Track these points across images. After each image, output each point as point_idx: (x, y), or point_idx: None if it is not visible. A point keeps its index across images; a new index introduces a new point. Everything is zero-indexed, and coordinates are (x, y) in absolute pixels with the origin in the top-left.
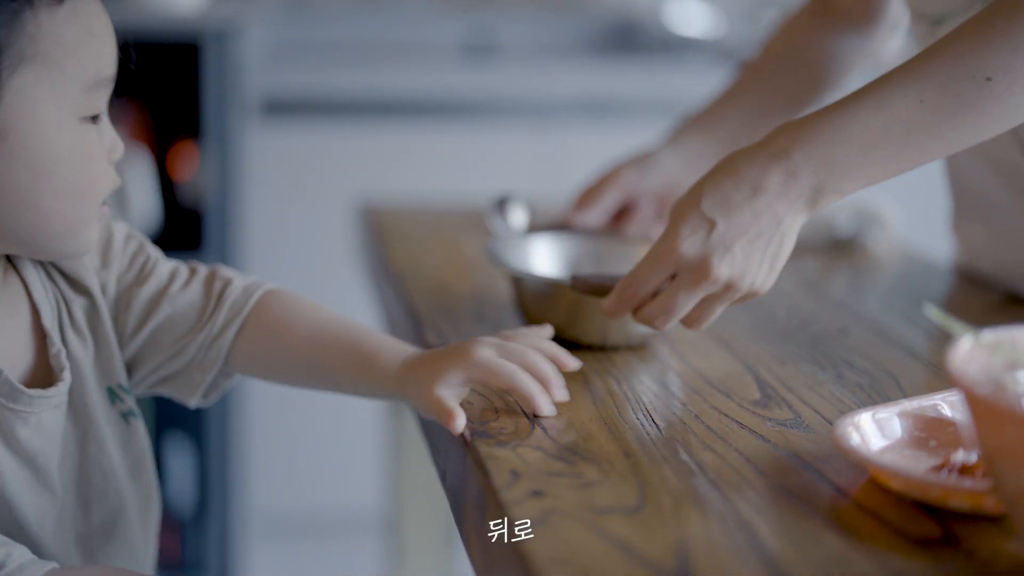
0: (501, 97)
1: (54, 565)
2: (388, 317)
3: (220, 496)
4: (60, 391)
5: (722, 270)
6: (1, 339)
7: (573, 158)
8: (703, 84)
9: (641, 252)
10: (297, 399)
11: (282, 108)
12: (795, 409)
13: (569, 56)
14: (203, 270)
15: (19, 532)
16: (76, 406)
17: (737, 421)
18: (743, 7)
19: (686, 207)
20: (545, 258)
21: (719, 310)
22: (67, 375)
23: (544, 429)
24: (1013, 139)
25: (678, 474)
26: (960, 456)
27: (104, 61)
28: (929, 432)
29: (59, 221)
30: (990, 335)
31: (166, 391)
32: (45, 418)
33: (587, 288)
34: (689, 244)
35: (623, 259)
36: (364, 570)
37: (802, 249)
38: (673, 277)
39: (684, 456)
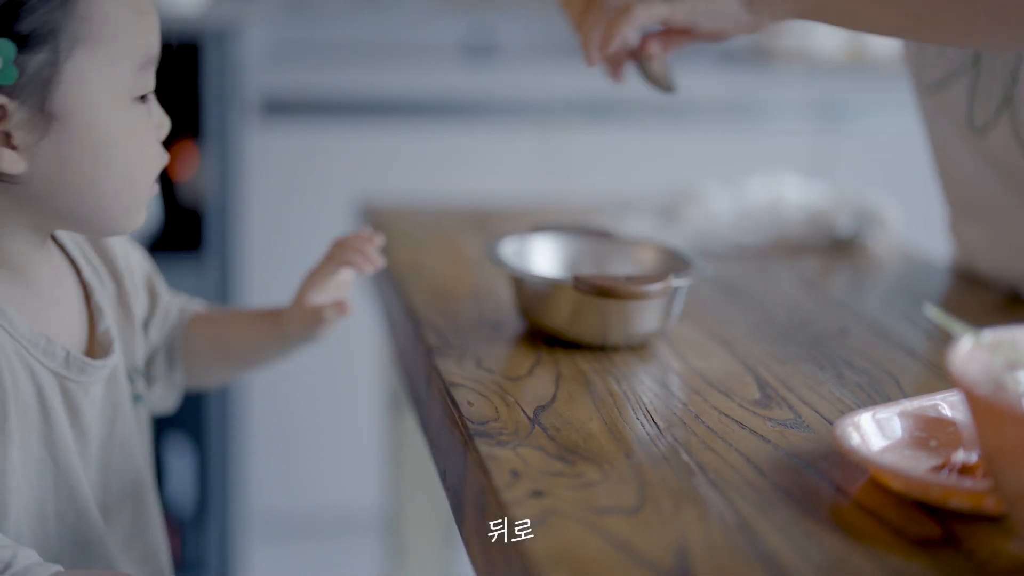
0: (501, 97)
1: (59, 568)
2: (388, 317)
3: (220, 496)
4: (111, 362)
5: None
6: (60, 316)
7: (573, 158)
8: (703, 84)
9: (642, 252)
10: (297, 399)
11: (282, 108)
12: (795, 409)
13: (569, 56)
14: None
15: (79, 506)
16: (111, 382)
17: (737, 421)
18: None
19: None
20: (545, 258)
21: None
22: (116, 347)
23: (544, 429)
24: (1013, 139)
25: (678, 474)
26: (960, 456)
27: (152, 40)
28: (929, 432)
29: (117, 201)
30: (990, 335)
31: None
32: (97, 391)
33: (589, 288)
34: None
35: (623, 259)
36: (364, 570)
37: (802, 249)
38: None
39: (684, 456)
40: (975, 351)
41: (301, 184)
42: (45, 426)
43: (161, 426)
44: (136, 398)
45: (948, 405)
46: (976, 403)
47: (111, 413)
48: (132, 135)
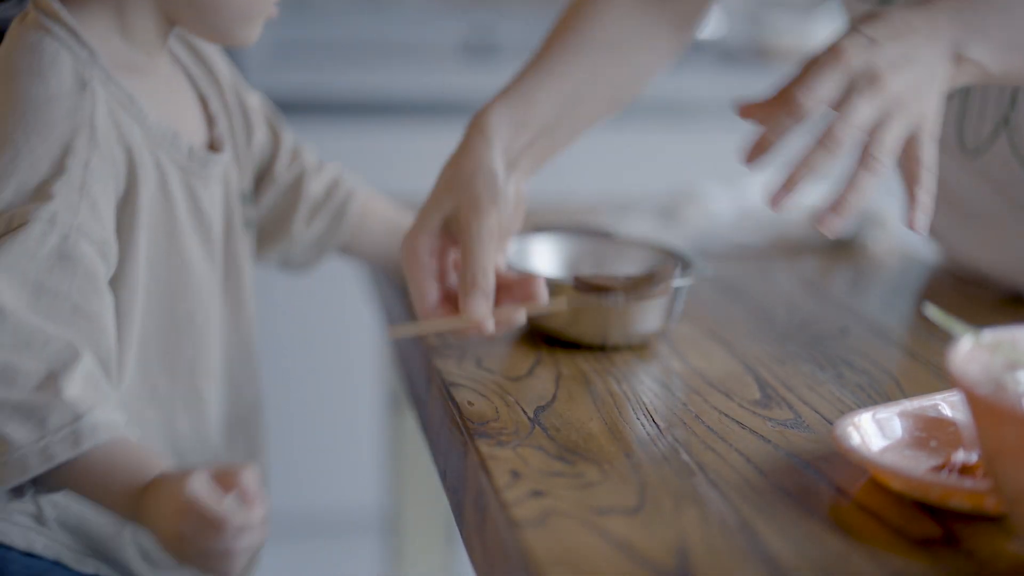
0: None
1: (125, 436)
2: (388, 317)
3: None
4: (226, 157)
5: (896, 81)
6: (182, 114)
7: (574, 158)
8: (703, 84)
9: (640, 252)
10: (297, 399)
11: (282, 108)
12: (795, 409)
13: None
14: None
15: (190, 298)
16: (227, 189)
17: (737, 421)
18: (743, 7)
19: (836, 38)
20: (545, 258)
21: (895, 132)
22: (228, 148)
23: (544, 429)
24: (1013, 156)
25: (678, 474)
26: (960, 456)
27: None
28: (929, 432)
29: (241, 1)
30: (990, 335)
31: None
32: (215, 189)
33: (590, 288)
34: (855, 53)
35: (623, 259)
36: (364, 570)
37: (802, 249)
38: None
39: (684, 456)
40: (975, 351)
41: None
42: (168, 216)
43: None
44: (246, 223)
45: (948, 405)
46: (976, 403)
47: (226, 221)
48: None
